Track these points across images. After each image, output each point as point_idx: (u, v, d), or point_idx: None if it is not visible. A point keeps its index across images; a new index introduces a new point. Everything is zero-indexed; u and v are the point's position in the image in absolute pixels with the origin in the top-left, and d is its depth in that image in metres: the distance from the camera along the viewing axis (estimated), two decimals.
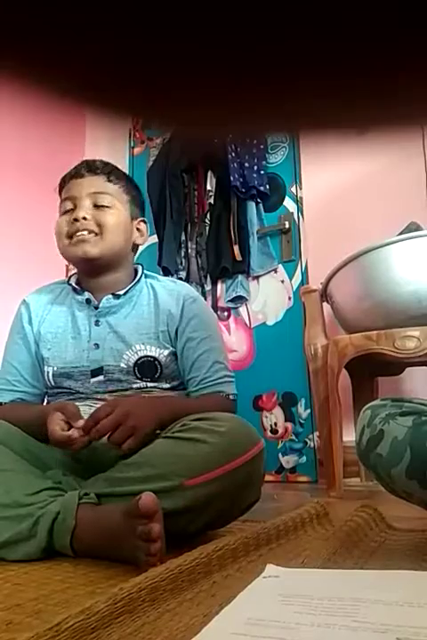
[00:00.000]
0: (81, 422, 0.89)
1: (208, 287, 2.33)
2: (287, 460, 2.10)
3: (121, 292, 1.10)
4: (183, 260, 2.38)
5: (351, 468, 1.73)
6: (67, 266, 2.37)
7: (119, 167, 1.16)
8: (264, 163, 2.28)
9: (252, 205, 2.25)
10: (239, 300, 2.26)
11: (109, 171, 1.10)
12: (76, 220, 1.04)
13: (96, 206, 1.06)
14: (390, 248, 1.46)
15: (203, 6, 0.11)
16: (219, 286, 2.33)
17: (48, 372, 1.08)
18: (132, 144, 2.68)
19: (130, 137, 2.67)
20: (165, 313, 1.09)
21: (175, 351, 1.09)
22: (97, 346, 1.06)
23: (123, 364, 1.05)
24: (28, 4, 0.11)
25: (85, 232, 1.04)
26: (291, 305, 2.17)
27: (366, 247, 1.49)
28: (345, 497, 1.49)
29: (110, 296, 1.09)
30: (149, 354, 1.06)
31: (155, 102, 0.15)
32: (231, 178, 2.20)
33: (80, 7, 0.11)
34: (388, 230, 1.58)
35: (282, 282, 2.21)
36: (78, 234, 1.04)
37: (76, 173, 1.08)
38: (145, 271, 1.18)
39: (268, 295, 2.23)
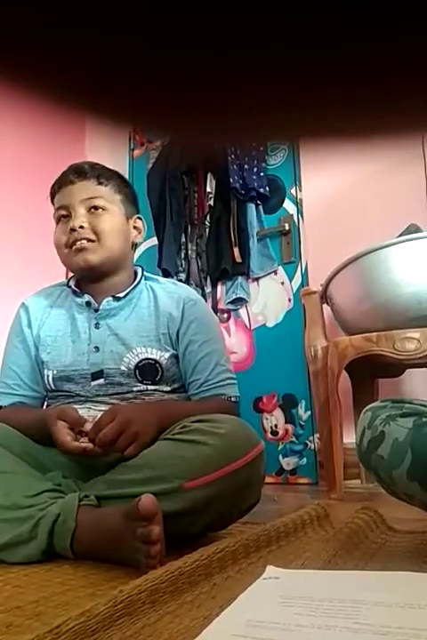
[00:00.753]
0: (88, 425, 0.89)
1: (208, 289, 2.33)
2: (288, 462, 2.10)
3: (121, 295, 1.10)
4: (183, 262, 2.38)
5: (352, 469, 1.73)
6: (66, 269, 2.37)
7: (118, 169, 1.16)
8: (264, 165, 2.28)
9: (252, 207, 2.25)
10: (239, 301, 2.26)
11: (98, 173, 1.09)
12: (72, 229, 1.04)
13: (90, 211, 1.06)
14: (389, 250, 1.46)
15: (201, 15, 0.11)
16: (219, 288, 2.33)
17: (48, 376, 1.08)
18: (132, 146, 2.69)
19: (130, 139, 2.68)
20: (165, 315, 1.09)
21: (176, 354, 1.08)
22: (97, 349, 1.06)
23: (123, 367, 1.04)
24: (27, 11, 0.11)
25: (84, 241, 1.04)
26: (291, 307, 2.17)
27: (365, 249, 1.49)
28: (346, 499, 1.49)
29: (110, 298, 1.09)
30: (149, 356, 1.05)
31: (153, 112, 0.15)
32: (231, 180, 2.21)
33: (79, 15, 0.11)
34: (388, 232, 1.58)
35: (282, 283, 2.21)
36: (77, 243, 1.04)
37: (66, 180, 1.08)
38: (145, 273, 1.17)
39: (268, 297, 2.23)
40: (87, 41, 0.12)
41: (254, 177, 2.23)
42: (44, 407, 1.13)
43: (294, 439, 2.10)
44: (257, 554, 0.76)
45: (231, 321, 2.30)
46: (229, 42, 0.12)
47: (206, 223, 2.36)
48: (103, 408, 1.02)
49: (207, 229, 2.36)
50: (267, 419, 2.16)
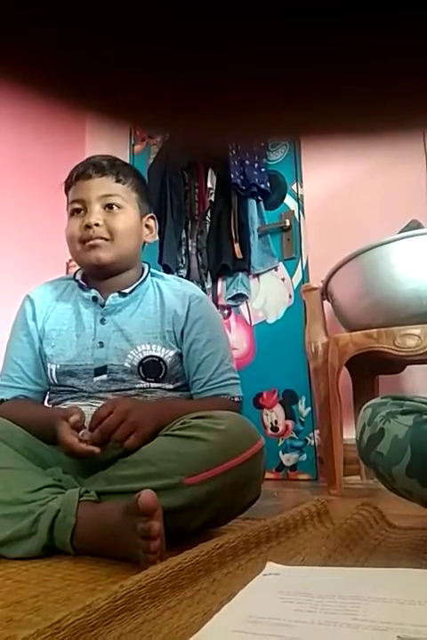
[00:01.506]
0: (85, 432, 0.89)
1: (209, 285, 2.33)
2: (288, 458, 2.10)
3: (127, 291, 1.09)
4: (184, 258, 2.38)
5: (352, 466, 1.73)
6: (67, 264, 2.37)
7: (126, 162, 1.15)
8: (265, 160, 2.28)
9: (252, 203, 2.25)
10: (240, 297, 2.26)
11: (118, 170, 1.08)
12: (88, 226, 1.03)
13: (106, 209, 1.05)
14: (390, 246, 1.45)
15: (201, 13, 0.11)
16: (219, 284, 2.33)
17: (51, 370, 1.07)
18: (132, 142, 2.68)
19: (131, 135, 2.67)
20: (170, 313, 1.08)
21: (181, 352, 1.08)
22: (102, 344, 1.06)
23: (127, 364, 1.04)
24: (28, 10, 0.11)
25: (98, 239, 1.04)
26: (291, 303, 2.17)
27: (366, 245, 1.49)
28: (345, 495, 1.49)
29: (116, 294, 1.09)
30: (154, 354, 1.05)
31: (153, 110, 0.15)
32: (232, 175, 2.20)
33: (79, 14, 0.11)
34: (388, 228, 1.58)
35: (283, 280, 2.21)
36: (91, 241, 1.04)
37: (84, 174, 1.06)
38: (151, 270, 1.17)
39: (268, 293, 2.23)
40: (87, 39, 0.12)
41: (255, 173, 2.22)
42: (46, 402, 1.13)
43: (294, 435, 2.10)
44: (257, 550, 0.76)
45: (232, 317, 2.30)
46: (228, 39, 0.12)
47: (207, 219, 2.36)
48: None
49: (208, 225, 2.35)
50: (267, 415, 2.16)
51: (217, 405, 1.00)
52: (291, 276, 2.19)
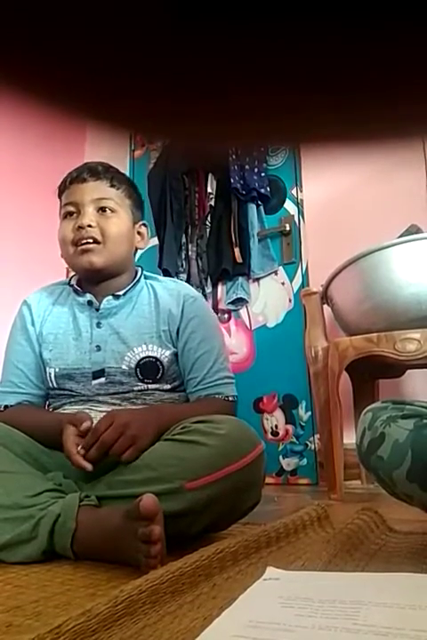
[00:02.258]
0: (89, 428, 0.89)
1: (209, 289, 2.33)
2: (288, 463, 2.10)
3: (120, 293, 1.10)
4: (184, 263, 2.38)
5: (352, 470, 1.73)
6: (67, 269, 2.37)
7: (120, 170, 1.16)
8: (265, 165, 2.28)
9: (252, 208, 2.25)
10: (240, 302, 2.26)
11: (112, 175, 1.09)
12: (81, 227, 1.04)
13: (99, 212, 1.06)
14: (390, 250, 1.46)
15: (201, 18, 0.11)
16: (219, 288, 2.33)
17: (50, 374, 1.08)
18: (132, 147, 2.69)
19: (131, 140, 2.68)
20: (165, 312, 1.09)
21: (177, 351, 1.09)
22: (99, 348, 1.06)
23: (124, 366, 1.04)
24: (29, 17, 0.11)
25: (90, 241, 1.04)
26: (291, 307, 2.17)
27: (366, 249, 1.49)
28: (346, 499, 1.49)
29: (110, 297, 1.09)
30: (150, 354, 1.06)
31: (153, 117, 0.15)
32: (232, 180, 2.21)
33: (78, 20, 0.11)
34: (388, 233, 1.58)
35: (282, 284, 2.21)
36: (83, 242, 1.04)
37: (78, 177, 1.07)
38: (145, 272, 1.18)
39: (268, 297, 2.24)
40: (87, 46, 0.12)
41: (255, 177, 2.23)
42: (46, 406, 1.13)
43: (294, 440, 2.10)
44: (257, 554, 0.76)
45: (232, 321, 2.30)
46: (229, 46, 0.12)
47: (207, 223, 2.36)
48: (104, 407, 1.02)
49: (208, 230, 2.36)
50: (267, 419, 2.16)
51: (212, 406, 1.00)
52: (291, 281, 2.20)
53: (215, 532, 0.90)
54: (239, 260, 2.23)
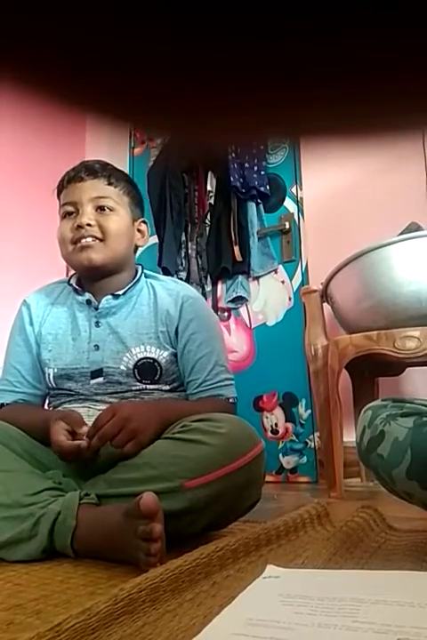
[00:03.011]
0: (85, 428, 0.89)
1: (208, 288, 2.33)
2: (288, 461, 2.10)
3: (120, 293, 1.09)
4: (183, 261, 2.38)
5: (352, 468, 1.73)
6: (67, 267, 2.37)
7: (119, 167, 1.16)
8: (264, 163, 2.28)
9: (252, 206, 2.25)
10: (240, 300, 2.26)
11: (110, 173, 1.09)
12: (80, 226, 1.04)
13: (98, 210, 1.06)
14: (390, 248, 1.46)
15: (201, 14, 0.11)
16: (219, 287, 2.33)
17: (49, 374, 1.08)
18: (132, 144, 2.68)
19: (130, 137, 2.67)
20: (163, 313, 1.09)
21: (175, 352, 1.08)
22: (97, 347, 1.06)
23: (122, 366, 1.04)
24: (30, 12, 0.11)
25: (90, 239, 1.04)
26: (291, 305, 2.17)
27: (366, 247, 1.49)
28: (346, 497, 1.49)
29: (110, 296, 1.09)
30: (148, 355, 1.05)
31: (153, 110, 0.15)
32: (231, 178, 2.20)
33: (79, 15, 0.11)
34: (388, 230, 1.58)
35: (282, 282, 2.21)
36: (82, 240, 1.04)
37: (76, 177, 1.07)
38: (145, 271, 1.17)
39: (268, 295, 2.23)
40: (87, 40, 0.12)
41: (255, 175, 2.23)
42: (46, 405, 1.13)
43: (294, 438, 2.10)
44: (257, 552, 0.76)
45: (232, 319, 2.30)
46: (229, 40, 0.12)
47: (207, 222, 2.36)
48: (102, 407, 1.02)
49: (208, 228, 2.36)
50: (267, 417, 2.16)
51: (213, 406, 1.00)
52: (291, 279, 2.20)
53: (215, 531, 0.90)
54: (239, 258, 2.23)
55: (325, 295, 1.69)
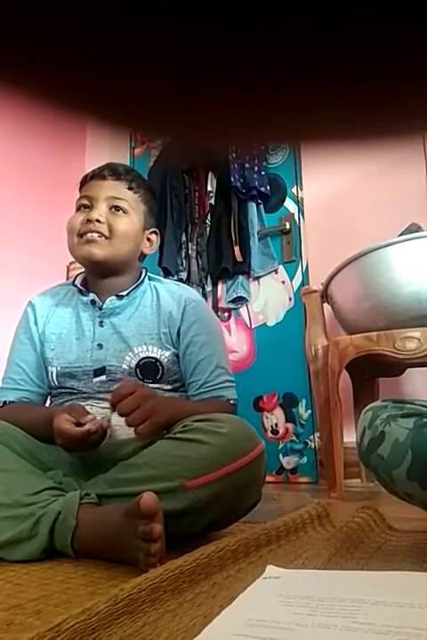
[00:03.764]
0: (89, 417, 0.90)
1: (209, 288, 2.33)
2: (288, 461, 2.10)
3: (124, 293, 1.10)
4: (184, 261, 2.38)
5: (352, 468, 1.73)
6: (67, 267, 2.37)
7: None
8: (265, 163, 2.28)
9: (252, 206, 2.25)
10: (240, 300, 2.26)
11: (132, 178, 1.11)
12: (89, 220, 1.05)
13: (112, 210, 1.07)
14: (390, 249, 1.46)
15: (201, 16, 0.11)
16: (219, 287, 2.33)
17: (52, 372, 1.09)
18: (133, 145, 2.69)
19: (131, 138, 2.67)
20: (165, 314, 1.10)
21: (177, 353, 1.09)
22: (100, 346, 1.07)
23: (125, 365, 1.05)
24: (29, 14, 0.11)
25: (96, 234, 1.05)
26: (291, 306, 2.17)
27: (366, 248, 1.49)
28: (346, 498, 1.49)
29: (114, 297, 1.10)
30: (150, 355, 1.06)
31: (153, 114, 0.15)
32: (232, 179, 2.20)
33: (78, 18, 0.11)
34: (388, 231, 1.58)
35: (283, 282, 2.21)
36: (89, 234, 1.05)
37: (99, 174, 1.10)
38: (149, 274, 1.18)
39: (268, 296, 2.23)
40: (86, 43, 0.12)
41: (255, 176, 2.23)
42: (48, 404, 1.14)
43: (294, 438, 2.10)
44: (257, 553, 0.76)
45: (232, 320, 2.30)
46: (229, 43, 0.12)
47: (207, 222, 2.36)
48: (104, 404, 1.02)
49: (208, 228, 2.36)
50: (267, 418, 2.16)
51: (214, 408, 1.01)
52: (291, 279, 2.20)
53: (216, 531, 0.90)
54: (239, 258, 2.23)
55: (325, 295, 1.69)
